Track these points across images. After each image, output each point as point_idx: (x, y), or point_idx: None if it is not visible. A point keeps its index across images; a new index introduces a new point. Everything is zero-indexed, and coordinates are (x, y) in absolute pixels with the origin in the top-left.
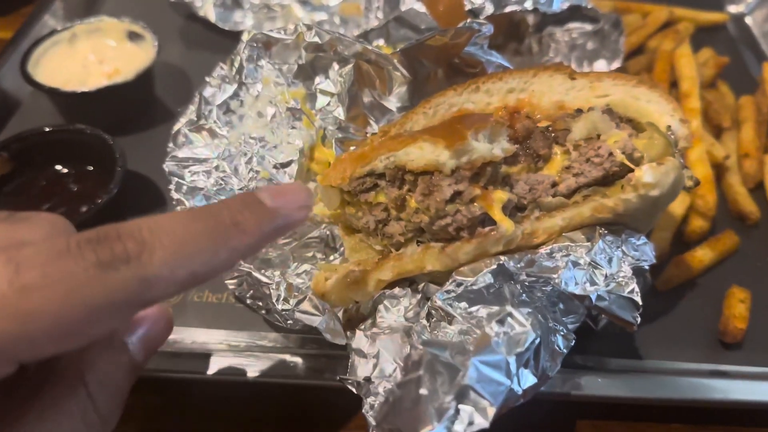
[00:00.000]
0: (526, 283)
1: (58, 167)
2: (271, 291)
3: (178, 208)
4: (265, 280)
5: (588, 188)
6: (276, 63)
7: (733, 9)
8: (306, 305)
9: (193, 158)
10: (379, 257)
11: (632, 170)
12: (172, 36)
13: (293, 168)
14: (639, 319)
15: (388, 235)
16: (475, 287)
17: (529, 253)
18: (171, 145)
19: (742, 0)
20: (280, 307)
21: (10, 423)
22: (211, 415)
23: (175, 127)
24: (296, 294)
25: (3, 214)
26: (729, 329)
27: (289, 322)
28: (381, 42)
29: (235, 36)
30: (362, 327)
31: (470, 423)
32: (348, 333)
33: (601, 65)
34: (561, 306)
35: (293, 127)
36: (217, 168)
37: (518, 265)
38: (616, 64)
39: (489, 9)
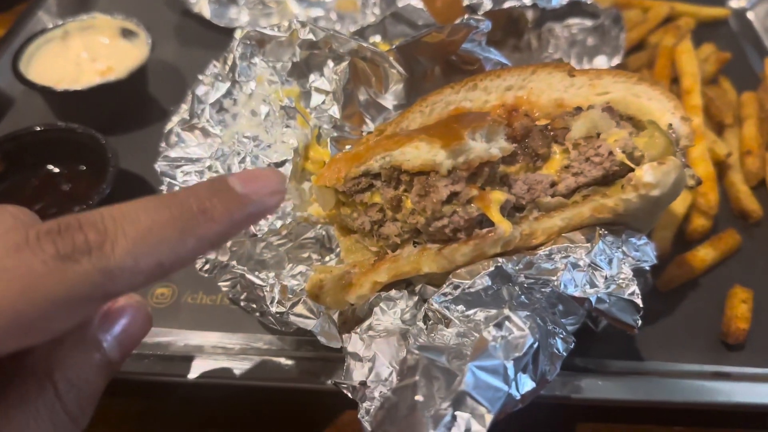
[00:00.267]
0: (525, 285)
1: (50, 167)
2: (265, 293)
3: None
4: (258, 282)
5: (588, 188)
6: (270, 61)
7: (734, 4)
8: (300, 308)
9: (185, 158)
10: (374, 259)
11: (633, 170)
12: (166, 33)
13: (287, 167)
14: (640, 322)
15: (384, 236)
16: (472, 290)
17: (527, 254)
18: (163, 144)
19: None
20: (274, 309)
21: None
22: (205, 419)
23: (168, 127)
24: (290, 296)
25: None
26: (731, 330)
27: (282, 326)
28: (378, 38)
29: (230, 33)
30: (358, 330)
31: (467, 430)
32: (344, 336)
33: (601, 61)
34: (560, 307)
35: (287, 126)
36: (209, 168)
37: (516, 267)
38: (617, 60)
39: (487, 5)
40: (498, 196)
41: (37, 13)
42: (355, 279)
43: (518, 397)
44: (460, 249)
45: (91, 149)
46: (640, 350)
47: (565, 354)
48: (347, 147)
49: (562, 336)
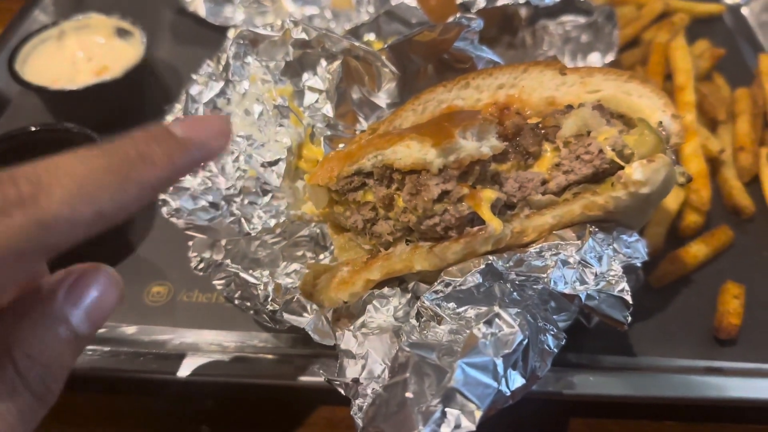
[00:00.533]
0: (516, 282)
1: None
2: (259, 291)
3: (164, 208)
4: (252, 280)
5: (578, 186)
6: (263, 60)
7: (729, 0)
8: (294, 306)
9: None
10: (367, 257)
11: (622, 167)
12: (161, 32)
13: (281, 166)
14: (629, 319)
15: (377, 235)
16: (463, 287)
17: (518, 252)
18: None
19: None
20: (268, 307)
21: None
22: (201, 416)
23: None
24: (284, 294)
25: None
26: (723, 325)
27: (277, 325)
28: (372, 37)
29: (225, 31)
30: (351, 327)
31: (457, 426)
32: (337, 333)
33: (595, 58)
34: (552, 304)
35: (281, 125)
36: (203, 167)
37: (507, 265)
38: (610, 57)
39: (481, 3)
40: (489, 194)
41: (33, 13)
42: (348, 277)
43: (508, 393)
44: (451, 247)
45: None
46: (633, 346)
47: (556, 350)
48: (341, 145)
49: (552, 332)
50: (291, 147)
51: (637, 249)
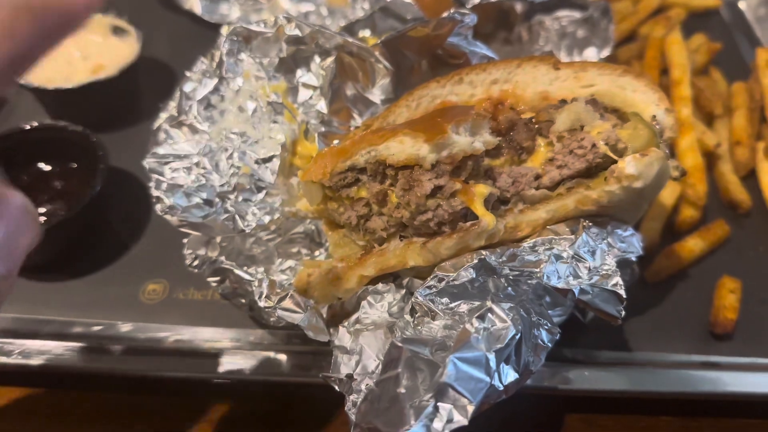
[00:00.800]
0: (511, 277)
1: (41, 165)
2: (254, 288)
3: (158, 206)
4: (247, 277)
5: (572, 180)
6: (257, 57)
7: None
8: (288, 302)
9: (173, 154)
10: (362, 253)
11: (616, 162)
12: (157, 29)
13: (275, 163)
14: (623, 313)
15: (371, 231)
16: (457, 282)
17: (511, 247)
18: (152, 141)
19: None
20: (262, 304)
21: None
22: (197, 413)
23: (156, 124)
24: (278, 291)
25: None
26: (719, 320)
27: (272, 319)
28: (367, 33)
29: (220, 29)
30: (346, 323)
31: (449, 420)
32: (331, 329)
33: (591, 53)
34: (547, 299)
35: (275, 122)
36: (197, 164)
37: (500, 260)
38: (606, 52)
39: None
40: (482, 189)
41: None
42: (342, 273)
43: (501, 387)
44: (444, 242)
45: (81, 147)
46: (629, 341)
47: (550, 345)
48: (335, 142)
49: (547, 327)
50: (285, 144)
51: (632, 243)
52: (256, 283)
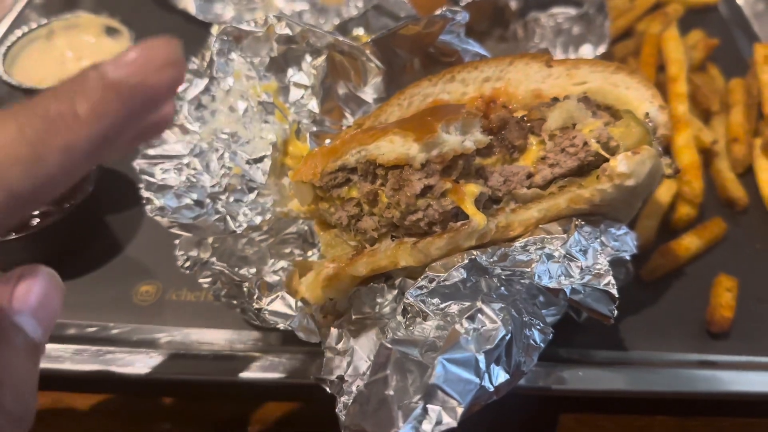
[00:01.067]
0: (503, 277)
1: None
2: (245, 289)
3: (147, 207)
4: (238, 278)
5: (564, 179)
6: (247, 56)
7: None
8: (278, 303)
9: (163, 155)
10: (353, 253)
11: (608, 160)
12: (151, 29)
13: (266, 163)
14: (615, 312)
15: (362, 231)
16: (448, 282)
17: (502, 246)
18: None
19: None
20: (254, 305)
21: None
22: (189, 416)
23: None
24: (269, 292)
25: None
26: (716, 318)
27: (264, 320)
28: (361, 31)
29: None
30: (337, 324)
31: (438, 422)
32: (322, 331)
33: (587, 50)
34: (541, 299)
35: (266, 122)
36: (188, 165)
37: (491, 260)
38: (602, 49)
39: None
40: (472, 188)
41: (24, 12)
42: (333, 273)
43: (492, 389)
44: (434, 242)
45: None
46: (624, 340)
47: (542, 345)
48: (327, 141)
49: (539, 327)
50: (276, 143)
51: (626, 242)
52: (248, 284)
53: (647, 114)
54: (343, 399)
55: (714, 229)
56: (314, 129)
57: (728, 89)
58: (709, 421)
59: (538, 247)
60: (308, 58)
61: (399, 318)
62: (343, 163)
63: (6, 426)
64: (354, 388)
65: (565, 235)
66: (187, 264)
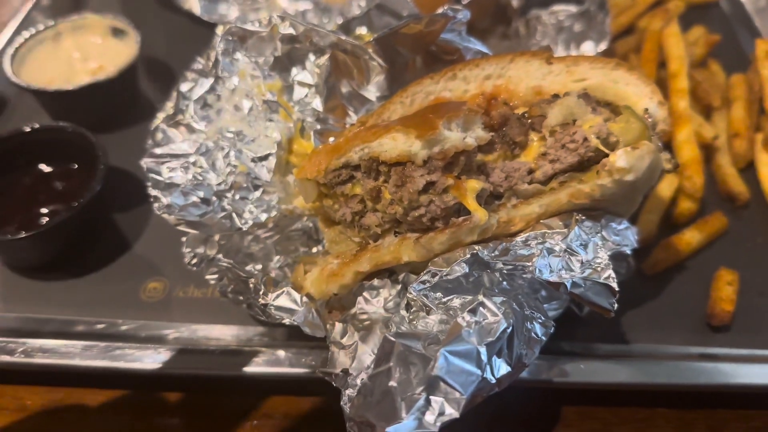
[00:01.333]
0: (505, 271)
1: (42, 166)
2: (251, 285)
3: (155, 204)
4: (244, 274)
5: (564, 174)
6: (252, 56)
7: None
8: (284, 299)
9: (170, 154)
10: (357, 249)
11: (607, 155)
12: (156, 30)
13: (271, 161)
14: (616, 306)
15: (365, 227)
16: (450, 277)
17: (504, 241)
18: (150, 141)
19: None
20: (260, 301)
21: None
22: (197, 411)
23: (153, 124)
24: (275, 288)
25: None
26: (716, 312)
27: (270, 316)
28: (364, 30)
29: None
30: (342, 319)
31: (441, 413)
32: (327, 325)
33: (588, 47)
34: (543, 293)
35: (270, 120)
36: (194, 163)
37: (493, 254)
38: (603, 46)
39: None
40: (474, 184)
41: (30, 14)
42: (337, 269)
43: (494, 381)
44: (437, 237)
45: (81, 148)
46: (626, 333)
47: (544, 338)
48: (331, 139)
49: (540, 321)
50: (281, 141)
51: (627, 236)
52: (254, 280)
53: (646, 110)
54: (347, 392)
55: (715, 224)
56: (318, 127)
57: (729, 85)
58: (710, 414)
59: (539, 241)
60: (312, 57)
61: (403, 312)
62: (347, 161)
63: None
64: (358, 381)
65: (565, 230)
66: (194, 261)
